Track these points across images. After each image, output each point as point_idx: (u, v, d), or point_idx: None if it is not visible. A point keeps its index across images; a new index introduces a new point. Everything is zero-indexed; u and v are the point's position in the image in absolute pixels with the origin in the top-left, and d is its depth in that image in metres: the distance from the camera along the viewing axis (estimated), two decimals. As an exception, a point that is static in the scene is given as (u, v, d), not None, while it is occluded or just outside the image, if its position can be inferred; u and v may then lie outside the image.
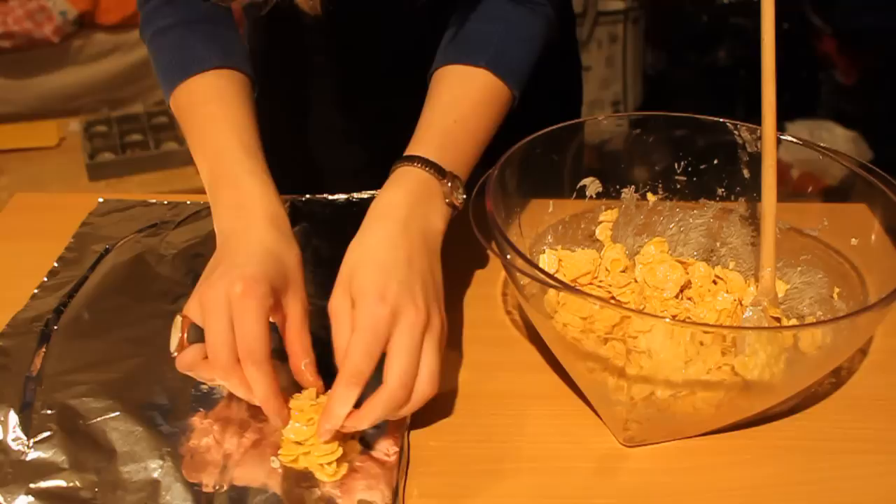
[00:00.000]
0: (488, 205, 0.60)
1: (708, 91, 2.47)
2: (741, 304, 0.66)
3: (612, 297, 0.66)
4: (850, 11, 2.21)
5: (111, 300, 0.70)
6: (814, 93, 2.35)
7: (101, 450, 0.56)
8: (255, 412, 0.57)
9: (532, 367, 0.65)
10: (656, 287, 0.67)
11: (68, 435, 0.57)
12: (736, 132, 0.70)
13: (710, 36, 2.48)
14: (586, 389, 0.61)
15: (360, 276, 0.56)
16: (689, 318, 0.65)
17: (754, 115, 0.63)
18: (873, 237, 0.64)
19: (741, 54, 2.42)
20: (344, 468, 0.54)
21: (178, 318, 0.57)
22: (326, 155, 0.95)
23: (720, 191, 0.72)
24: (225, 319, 0.53)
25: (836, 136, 2.22)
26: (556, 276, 0.63)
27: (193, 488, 0.53)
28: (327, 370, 0.56)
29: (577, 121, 0.72)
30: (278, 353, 0.55)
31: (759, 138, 0.64)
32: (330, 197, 0.83)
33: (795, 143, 0.68)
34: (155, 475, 0.54)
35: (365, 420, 0.54)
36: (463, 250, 0.65)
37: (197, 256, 0.75)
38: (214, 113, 0.66)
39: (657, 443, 0.59)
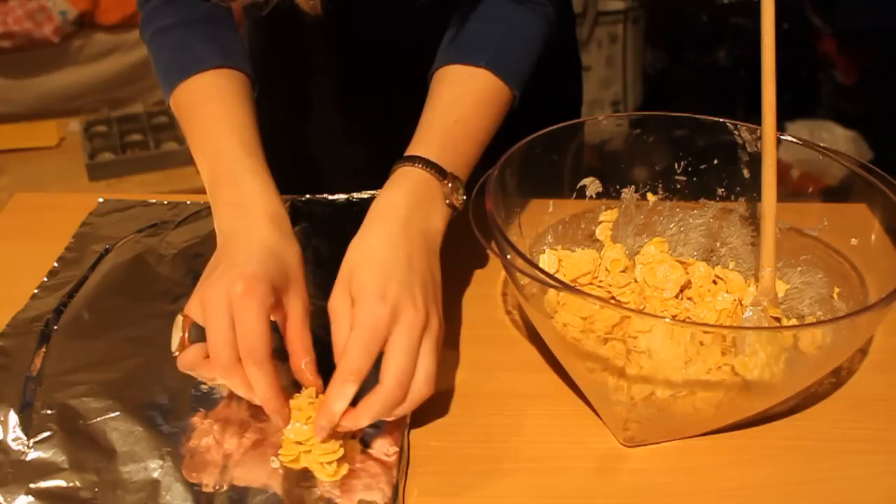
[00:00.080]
0: (488, 205, 0.60)
1: (708, 91, 2.47)
2: (741, 304, 0.66)
3: (612, 297, 0.66)
4: (850, 11, 2.21)
5: (111, 300, 0.70)
6: (814, 93, 2.35)
7: (101, 450, 0.56)
8: (256, 412, 0.58)
9: (532, 367, 0.65)
10: (656, 287, 0.67)
11: (68, 435, 0.57)
12: (736, 132, 0.70)
13: (710, 36, 2.48)
14: (586, 389, 0.61)
15: (360, 275, 0.56)
16: (689, 318, 0.65)
17: (754, 115, 0.63)
18: (873, 237, 0.64)
19: (741, 54, 2.42)
20: (344, 468, 0.54)
21: (180, 318, 0.57)
22: (326, 155, 0.95)
23: (720, 191, 0.72)
24: (226, 319, 0.53)
25: (836, 136, 2.22)
26: (556, 276, 0.63)
27: (193, 488, 0.53)
28: (327, 370, 0.56)
29: (577, 121, 0.72)
30: (278, 353, 0.55)
31: (759, 138, 0.64)
32: (330, 197, 0.83)
33: (795, 143, 0.68)
34: (155, 475, 0.54)
35: (361, 418, 0.54)
36: (463, 250, 0.65)
37: (197, 256, 0.75)
38: (214, 112, 0.66)
39: (657, 443, 0.58)
